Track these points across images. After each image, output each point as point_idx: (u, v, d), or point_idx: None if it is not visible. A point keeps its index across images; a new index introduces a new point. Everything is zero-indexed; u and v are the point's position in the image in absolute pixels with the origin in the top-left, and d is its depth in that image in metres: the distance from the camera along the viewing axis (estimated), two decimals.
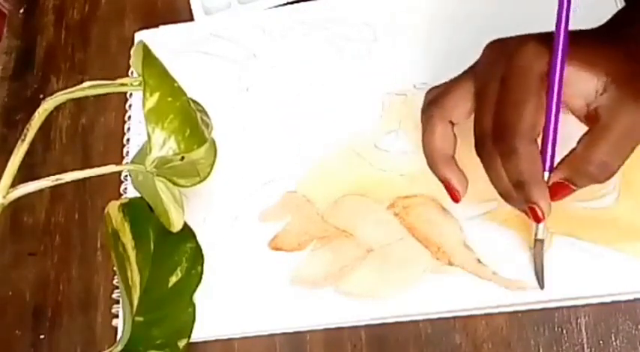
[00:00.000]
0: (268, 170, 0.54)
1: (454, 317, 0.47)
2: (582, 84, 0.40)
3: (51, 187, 0.41)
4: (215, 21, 0.61)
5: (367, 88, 0.55)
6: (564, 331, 0.46)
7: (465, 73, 0.44)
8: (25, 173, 0.40)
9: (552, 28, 0.41)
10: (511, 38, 0.42)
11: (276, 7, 0.60)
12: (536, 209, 0.41)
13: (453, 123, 0.44)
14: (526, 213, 0.42)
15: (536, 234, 0.44)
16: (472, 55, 0.54)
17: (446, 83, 0.45)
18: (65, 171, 0.41)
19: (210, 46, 0.60)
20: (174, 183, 0.44)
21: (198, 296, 0.48)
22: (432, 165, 0.45)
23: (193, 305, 0.48)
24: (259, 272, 0.50)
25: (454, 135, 0.45)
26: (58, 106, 0.41)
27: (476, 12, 0.55)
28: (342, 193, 0.51)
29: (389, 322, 0.48)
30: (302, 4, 0.59)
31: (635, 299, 0.45)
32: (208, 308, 0.49)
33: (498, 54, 0.42)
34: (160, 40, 0.60)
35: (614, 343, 0.45)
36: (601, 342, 0.45)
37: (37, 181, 0.40)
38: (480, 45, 0.54)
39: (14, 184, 0.39)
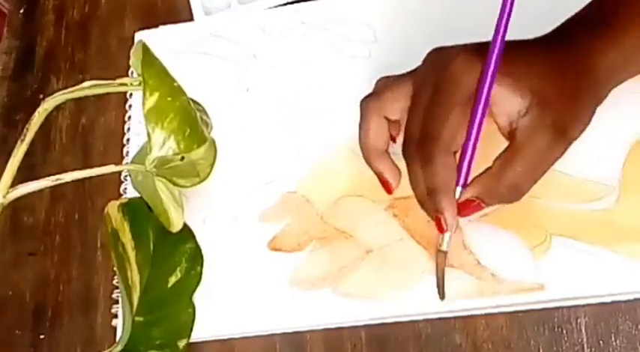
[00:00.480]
0: (268, 170, 0.54)
1: (454, 317, 0.47)
2: (507, 103, 0.40)
3: (51, 187, 0.41)
4: (215, 21, 0.61)
5: (367, 89, 0.55)
6: (564, 331, 0.46)
7: (406, 73, 0.45)
8: (26, 173, 0.41)
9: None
10: (451, 47, 0.43)
11: (276, 7, 0.60)
12: (442, 219, 0.42)
13: (388, 119, 0.45)
14: (434, 221, 0.43)
15: (440, 245, 0.44)
16: None
17: (389, 77, 0.46)
18: (65, 171, 0.41)
19: (210, 46, 0.60)
20: (174, 184, 0.44)
21: (198, 297, 0.48)
22: (365, 158, 0.46)
23: (193, 306, 0.48)
24: (259, 272, 0.50)
25: (388, 129, 0.45)
26: (58, 106, 0.41)
27: (476, 12, 0.55)
28: (342, 194, 0.51)
29: (389, 322, 0.48)
30: (302, 4, 0.59)
31: (635, 299, 0.45)
32: (208, 309, 0.49)
33: (436, 61, 0.43)
34: (160, 40, 0.60)
35: (614, 343, 0.45)
36: (601, 342, 0.45)
37: (36, 181, 0.40)
38: None
39: (14, 184, 0.39)
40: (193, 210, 0.53)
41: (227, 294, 0.50)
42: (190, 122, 0.40)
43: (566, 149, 0.41)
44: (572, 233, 0.47)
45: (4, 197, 0.38)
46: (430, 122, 0.41)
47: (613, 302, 0.45)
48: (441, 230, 0.43)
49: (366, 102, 0.46)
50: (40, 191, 0.42)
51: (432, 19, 0.56)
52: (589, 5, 0.43)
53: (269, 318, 0.49)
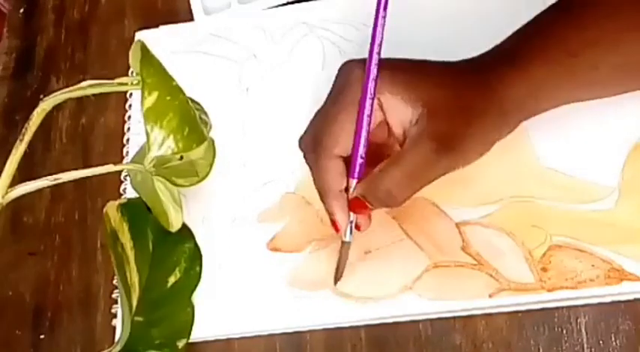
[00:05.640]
0: (267, 171, 0.54)
1: (454, 317, 0.47)
2: (399, 112, 0.41)
3: (51, 187, 0.41)
4: (215, 21, 0.61)
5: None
6: (564, 331, 0.46)
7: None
8: (26, 173, 0.41)
9: None
10: (357, 60, 0.43)
11: (276, 7, 0.60)
12: (335, 220, 0.43)
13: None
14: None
15: (343, 236, 0.45)
16: (471, 56, 0.53)
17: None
18: (65, 171, 0.41)
19: (210, 47, 0.60)
20: (173, 183, 0.44)
21: (197, 297, 0.48)
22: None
23: (192, 305, 0.48)
24: (258, 272, 0.50)
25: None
26: (58, 106, 0.41)
27: (476, 12, 0.55)
28: None
29: (389, 322, 0.48)
30: (302, 4, 0.59)
31: (635, 299, 0.45)
32: (207, 308, 0.49)
33: (340, 73, 0.44)
34: (160, 40, 0.60)
35: (614, 343, 0.45)
36: (601, 342, 0.45)
37: (35, 181, 0.40)
38: (480, 45, 0.54)
39: (14, 184, 0.39)
40: (192, 209, 0.53)
41: (226, 294, 0.50)
42: (189, 121, 0.40)
43: (449, 167, 0.41)
44: (573, 234, 0.47)
45: (4, 197, 0.38)
46: (317, 127, 0.43)
47: (613, 302, 0.45)
48: (336, 229, 0.44)
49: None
50: (40, 191, 0.42)
51: (432, 19, 0.56)
52: (505, 41, 0.43)
53: (269, 318, 0.49)
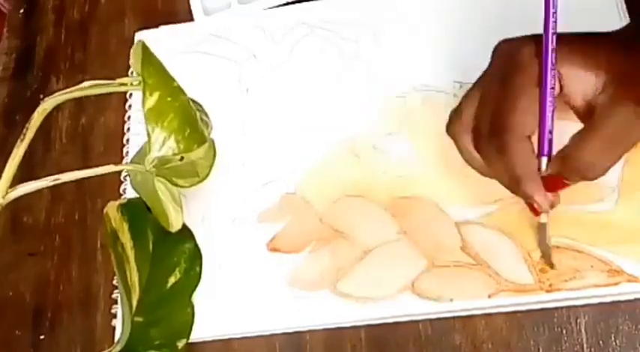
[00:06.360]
0: (267, 171, 0.54)
1: (454, 317, 0.47)
2: (582, 82, 0.40)
3: (51, 187, 0.41)
4: (215, 21, 0.61)
5: (367, 90, 0.55)
6: (564, 331, 0.46)
7: (477, 79, 0.44)
8: (26, 173, 0.41)
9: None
10: (516, 38, 0.42)
11: (276, 7, 0.60)
12: (533, 203, 0.41)
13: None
14: (528, 207, 0.43)
15: (539, 220, 0.44)
16: (472, 56, 0.53)
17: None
18: (65, 171, 0.41)
19: (210, 47, 0.60)
20: (174, 184, 0.44)
21: (197, 297, 0.48)
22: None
23: (192, 306, 0.48)
24: (258, 273, 0.50)
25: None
26: (58, 106, 0.41)
27: (477, 12, 0.55)
28: (341, 194, 0.51)
29: (388, 322, 0.48)
30: (302, 4, 0.59)
31: (635, 299, 0.45)
32: (207, 309, 0.49)
33: (503, 53, 0.42)
34: (160, 40, 0.60)
35: (614, 343, 0.45)
36: (601, 342, 0.45)
37: (35, 181, 0.40)
38: (480, 45, 0.54)
39: (14, 184, 0.39)
40: (192, 210, 0.53)
41: (226, 295, 0.50)
42: (190, 122, 0.40)
43: None
44: (572, 234, 0.47)
45: (4, 197, 0.38)
46: (499, 112, 0.41)
47: (613, 302, 0.45)
48: (536, 214, 0.43)
49: (451, 129, 0.44)
50: (40, 191, 0.42)
51: (432, 19, 0.56)
52: None
53: (268, 318, 0.49)
